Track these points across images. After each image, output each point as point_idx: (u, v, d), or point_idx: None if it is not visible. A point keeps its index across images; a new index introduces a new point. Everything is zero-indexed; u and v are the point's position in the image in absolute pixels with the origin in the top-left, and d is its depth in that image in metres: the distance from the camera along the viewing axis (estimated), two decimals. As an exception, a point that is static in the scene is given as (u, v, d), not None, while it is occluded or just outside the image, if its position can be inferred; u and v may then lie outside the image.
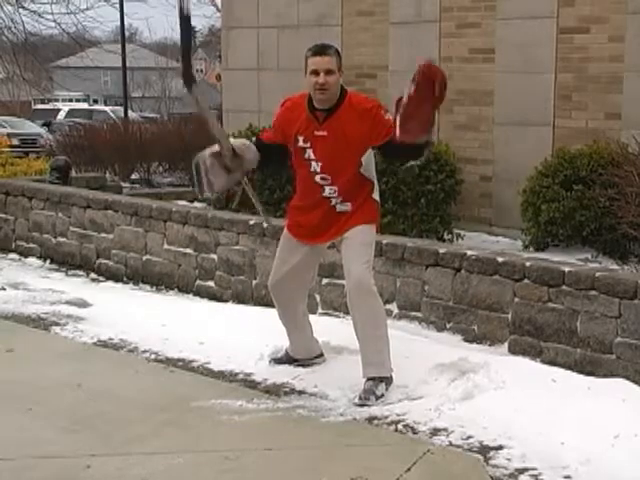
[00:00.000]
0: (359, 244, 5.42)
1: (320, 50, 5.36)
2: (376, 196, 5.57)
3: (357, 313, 5.38)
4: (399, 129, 4.82)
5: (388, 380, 5.39)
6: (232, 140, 5.54)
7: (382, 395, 5.30)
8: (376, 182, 5.57)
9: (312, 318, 5.98)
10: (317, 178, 5.42)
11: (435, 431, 4.89)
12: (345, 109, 5.33)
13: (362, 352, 5.42)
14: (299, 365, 5.86)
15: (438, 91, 4.78)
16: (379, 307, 5.44)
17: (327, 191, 5.41)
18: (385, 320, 5.49)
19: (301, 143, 5.42)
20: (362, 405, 5.23)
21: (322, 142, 5.35)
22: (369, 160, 5.44)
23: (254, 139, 5.75)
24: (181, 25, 5.11)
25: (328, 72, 5.26)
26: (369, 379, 5.36)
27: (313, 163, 5.41)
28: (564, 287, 6.27)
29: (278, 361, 5.96)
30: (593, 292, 6.13)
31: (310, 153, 5.40)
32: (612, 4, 9.81)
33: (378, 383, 5.33)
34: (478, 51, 10.95)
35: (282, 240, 5.76)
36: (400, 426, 4.98)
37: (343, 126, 5.30)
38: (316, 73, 5.27)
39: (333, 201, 5.43)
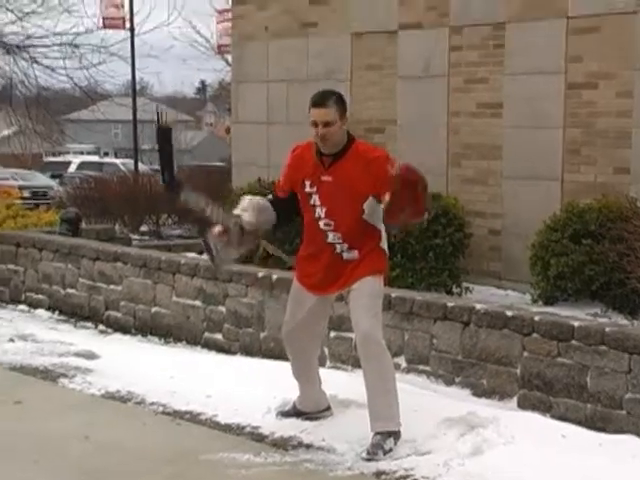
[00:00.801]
0: (367, 296, 5.39)
1: (319, 101, 5.37)
2: (384, 245, 5.55)
3: (366, 366, 5.36)
4: (385, 215, 5.13)
5: (396, 435, 5.35)
6: (247, 199, 5.56)
7: (390, 449, 5.26)
8: (384, 231, 5.54)
9: (320, 371, 5.96)
10: (321, 224, 5.41)
11: (444, 486, 4.85)
12: (351, 155, 5.35)
13: (370, 405, 5.39)
14: (307, 418, 5.83)
15: (417, 198, 5.09)
16: (387, 361, 5.42)
17: (331, 237, 5.40)
18: (394, 374, 5.47)
19: (308, 188, 5.43)
20: (370, 460, 5.19)
21: (327, 187, 5.36)
22: (373, 208, 5.36)
23: (270, 196, 5.74)
24: (159, 137, 5.32)
25: (326, 124, 5.29)
26: (377, 433, 5.32)
27: (318, 209, 5.41)
28: (573, 342, 6.24)
29: (285, 414, 5.93)
30: (603, 347, 6.10)
31: (316, 199, 5.41)
32: (620, 60, 9.88)
33: (386, 437, 5.29)
34: (486, 106, 11.01)
35: (292, 291, 5.76)
36: (408, 481, 4.95)
37: (347, 172, 5.30)
38: (315, 124, 5.32)
39: (338, 248, 5.40)
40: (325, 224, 5.39)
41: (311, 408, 5.84)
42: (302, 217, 5.63)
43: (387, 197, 4.98)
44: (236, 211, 5.51)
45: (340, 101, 5.43)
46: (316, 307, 5.63)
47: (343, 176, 5.30)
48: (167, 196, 5.48)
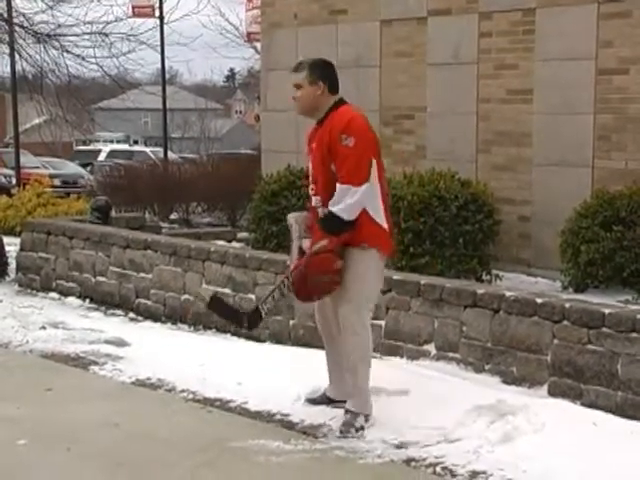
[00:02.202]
0: (349, 279, 5.46)
1: (293, 67, 5.71)
2: (377, 218, 5.48)
3: (342, 346, 5.59)
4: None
5: (367, 415, 5.53)
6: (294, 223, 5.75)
7: (362, 427, 5.46)
8: (378, 204, 5.50)
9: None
10: (310, 189, 5.69)
11: (474, 474, 4.85)
12: (327, 121, 5.54)
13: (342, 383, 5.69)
14: (336, 406, 5.83)
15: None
16: (362, 346, 5.55)
17: (314, 201, 5.62)
18: (367, 359, 5.60)
19: (309, 154, 5.75)
20: (344, 437, 5.39)
21: (312, 153, 5.66)
22: None
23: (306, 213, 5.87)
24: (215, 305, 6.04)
25: (297, 87, 5.61)
26: (348, 411, 5.55)
27: (310, 176, 5.71)
28: (604, 329, 6.20)
29: (313, 402, 5.94)
30: (634, 334, 6.06)
31: (310, 166, 5.72)
32: (651, 45, 9.79)
33: (357, 416, 5.49)
34: (516, 92, 10.94)
35: None
36: (438, 468, 4.94)
37: (321, 137, 5.51)
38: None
39: (320, 212, 5.53)
40: (311, 189, 5.65)
41: (341, 396, 5.84)
42: None
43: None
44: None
45: (314, 67, 5.62)
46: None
47: (319, 142, 5.51)
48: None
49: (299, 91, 5.60)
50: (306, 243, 5.59)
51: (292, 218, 5.76)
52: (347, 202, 5.31)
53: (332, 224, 5.36)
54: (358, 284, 5.46)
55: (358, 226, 5.40)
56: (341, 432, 5.39)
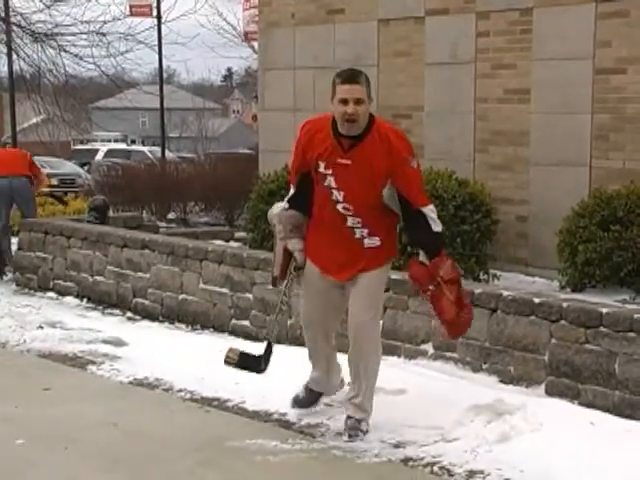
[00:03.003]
0: (375, 286, 5.39)
1: (351, 78, 5.11)
2: (397, 228, 5.55)
3: (357, 357, 5.39)
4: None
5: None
6: (277, 214, 5.51)
7: (367, 431, 5.37)
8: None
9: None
10: (339, 207, 5.21)
11: (471, 473, 4.85)
12: (372, 138, 5.11)
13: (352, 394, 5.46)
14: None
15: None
16: (379, 353, 5.50)
17: (350, 221, 5.21)
18: (378, 370, 5.50)
19: (322, 169, 5.20)
20: (352, 441, 5.29)
21: (344, 171, 5.12)
22: (391, 192, 5.22)
23: (286, 205, 5.52)
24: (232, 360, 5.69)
25: (358, 102, 5.03)
26: (353, 418, 5.41)
27: (335, 192, 5.19)
28: (602, 328, 6.21)
29: (299, 403, 5.85)
30: (631, 334, 6.06)
31: (331, 181, 5.18)
32: (649, 45, 9.80)
33: (362, 420, 5.40)
34: (514, 92, 10.94)
35: (306, 278, 5.56)
36: (436, 468, 4.95)
37: (369, 156, 5.08)
38: (345, 102, 5.03)
39: (358, 233, 5.23)
40: (344, 208, 5.18)
41: (324, 390, 5.83)
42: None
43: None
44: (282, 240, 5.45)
45: (368, 81, 5.21)
46: (334, 292, 5.50)
47: (363, 161, 5.08)
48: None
49: (360, 106, 5.04)
50: (292, 244, 5.40)
51: (276, 218, 5.49)
52: (436, 218, 5.29)
53: (442, 242, 5.49)
54: (380, 294, 5.52)
55: (390, 239, 5.43)
56: (350, 437, 5.33)
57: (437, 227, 5.26)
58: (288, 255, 5.42)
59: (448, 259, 5.28)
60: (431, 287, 5.20)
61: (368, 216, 5.18)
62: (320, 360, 5.71)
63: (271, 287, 8.19)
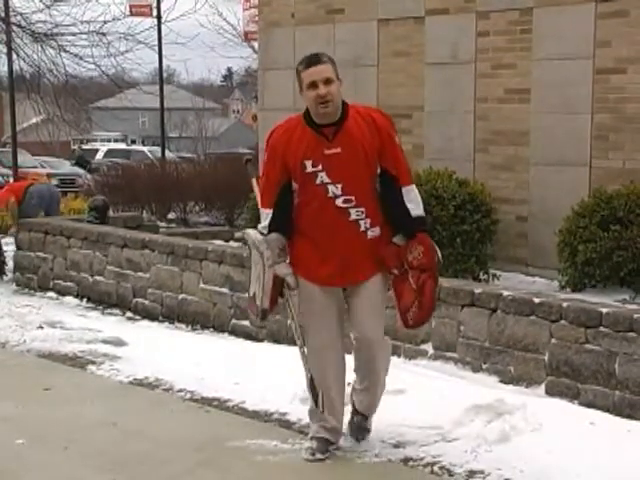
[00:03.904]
0: (380, 292, 5.01)
1: (313, 59, 4.78)
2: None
3: (370, 366, 5.03)
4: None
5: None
6: (259, 241, 4.96)
7: (370, 430, 5.27)
8: None
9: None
10: (339, 202, 4.78)
11: (471, 473, 4.85)
12: (355, 120, 4.79)
13: (368, 400, 5.17)
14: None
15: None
16: (389, 357, 5.21)
17: (354, 214, 4.80)
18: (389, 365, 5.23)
19: (310, 168, 4.77)
20: (361, 441, 5.19)
21: (336, 161, 4.74)
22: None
23: (265, 229, 4.96)
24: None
25: (327, 81, 4.70)
26: (360, 414, 5.22)
27: (330, 187, 4.77)
28: (602, 328, 6.21)
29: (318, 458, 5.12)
30: (631, 334, 6.06)
31: (323, 177, 4.76)
32: (649, 44, 9.80)
33: (367, 418, 5.24)
34: (514, 91, 10.94)
35: (304, 302, 5.04)
36: (436, 468, 4.94)
37: (358, 137, 4.76)
38: (314, 85, 4.70)
39: (362, 225, 4.83)
40: (345, 201, 4.76)
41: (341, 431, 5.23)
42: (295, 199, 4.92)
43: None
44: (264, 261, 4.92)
45: (333, 61, 4.80)
46: (338, 304, 5.05)
47: (354, 144, 4.74)
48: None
49: (330, 86, 4.69)
50: (281, 268, 4.92)
51: (264, 243, 4.92)
52: (420, 201, 4.95)
53: (422, 226, 4.99)
54: (384, 298, 5.05)
55: (388, 233, 4.94)
56: (357, 440, 5.20)
57: (418, 210, 4.89)
58: (279, 282, 4.95)
59: (425, 245, 4.91)
60: (395, 271, 4.88)
61: (370, 203, 4.81)
62: (336, 401, 5.08)
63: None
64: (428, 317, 5.06)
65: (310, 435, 5.16)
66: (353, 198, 4.77)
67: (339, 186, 4.76)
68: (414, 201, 4.90)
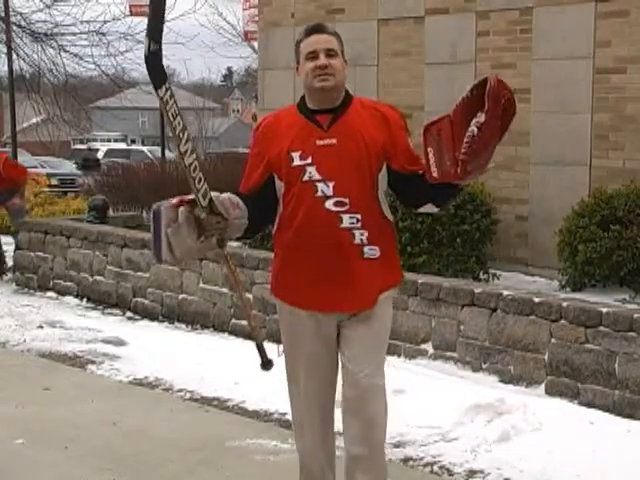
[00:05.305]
0: (383, 329, 3.98)
1: (316, 27, 3.91)
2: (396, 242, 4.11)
3: (362, 416, 3.89)
4: (442, 166, 3.56)
5: None
6: (215, 194, 3.86)
7: None
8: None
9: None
10: (329, 204, 3.78)
11: (471, 473, 4.85)
12: (357, 109, 3.91)
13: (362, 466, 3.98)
14: None
15: (508, 117, 3.84)
16: (385, 400, 3.95)
17: (346, 221, 3.78)
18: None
19: (297, 161, 3.81)
20: None
21: (330, 153, 3.79)
22: (384, 183, 3.91)
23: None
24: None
25: (330, 53, 3.83)
26: None
27: (320, 185, 3.79)
28: (602, 328, 6.21)
29: None
30: (631, 333, 6.06)
31: (313, 172, 3.79)
32: (649, 44, 9.80)
33: None
34: (514, 91, 10.93)
35: (287, 343, 4.13)
36: (436, 467, 4.95)
37: (359, 128, 3.85)
38: (314, 55, 3.84)
39: (357, 236, 3.78)
40: (337, 203, 3.77)
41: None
42: (280, 207, 3.95)
43: (482, 118, 3.62)
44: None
45: (340, 37, 3.93)
46: (330, 340, 3.94)
47: (352, 135, 3.82)
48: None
49: (333, 59, 3.82)
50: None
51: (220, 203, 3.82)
52: None
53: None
54: (386, 338, 4.04)
55: (393, 253, 4.00)
56: None
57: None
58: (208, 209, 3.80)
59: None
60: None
61: (367, 211, 3.81)
62: (328, 453, 4.19)
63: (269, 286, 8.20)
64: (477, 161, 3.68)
65: None
66: (347, 201, 3.78)
67: (330, 185, 3.79)
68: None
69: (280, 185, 3.88)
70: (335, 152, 3.80)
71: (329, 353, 3.94)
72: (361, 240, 3.80)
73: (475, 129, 3.55)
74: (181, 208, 3.79)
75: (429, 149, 3.59)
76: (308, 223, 3.81)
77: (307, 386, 3.98)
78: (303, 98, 3.98)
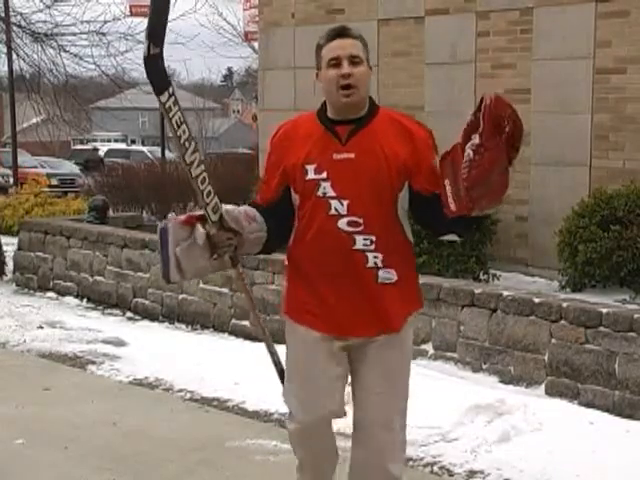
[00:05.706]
0: (400, 370, 3.71)
1: (340, 31, 3.61)
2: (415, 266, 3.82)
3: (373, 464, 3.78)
4: (458, 199, 3.39)
5: None
6: (226, 207, 3.67)
7: None
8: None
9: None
10: (342, 224, 3.53)
11: (471, 473, 4.85)
12: (380, 122, 3.63)
13: None
14: None
15: (511, 136, 3.35)
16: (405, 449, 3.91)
17: (360, 242, 3.52)
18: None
19: (312, 174, 3.56)
20: None
21: (347, 169, 3.52)
22: (405, 204, 3.62)
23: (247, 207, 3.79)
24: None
25: (354, 60, 3.58)
26: None
27: (334, 203, 3.53)
28: (602, 328, 6.21)
29: None
30: (631, 334, 6.06)
31: (327, 188, 3.54)
32: (649, 44, 9.80)
33: None
34: (514, 91, 10.92)
35: (293, 352, 4.02)
36: (436, 468, 4.95)
37: (380, 143, 3.55)
38: (337, 62, 3.56)
39: (370, 259, 3.53)
40: (350, 223, 3.52)
41: None
42: (296, 221, 3.70)
43: (469, 148, 3.30)
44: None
45: (365, 42, 3.71)
46: (336, 362, 3.70)
47: (372, 150, 3.53)
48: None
49: (357, 68, 3.57)
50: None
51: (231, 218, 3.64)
52: None
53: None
54: (408, 377, 3.75)
55: (413, 279, 3.75)
56: None
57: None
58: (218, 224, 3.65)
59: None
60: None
61: (383, 233, 3.54)
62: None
63: (271, 286, 8.21)
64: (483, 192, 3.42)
65: None
66: (361, 221, 3.52)
67: (345, 203, 3.53)
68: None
69: (295, 197, 3.65)
70: (352, 168, 3.53)
71: (342, 369, 3.72)
72: (375, 263, 3.55)
73: (470, 152, 3.30)
74: (197, 225, 3.60)
75: (446, 181, 3.40)
76: (321, 241, 3.58)
77: (313, 397, 3.86)
78: (324, 105, 3.72)
